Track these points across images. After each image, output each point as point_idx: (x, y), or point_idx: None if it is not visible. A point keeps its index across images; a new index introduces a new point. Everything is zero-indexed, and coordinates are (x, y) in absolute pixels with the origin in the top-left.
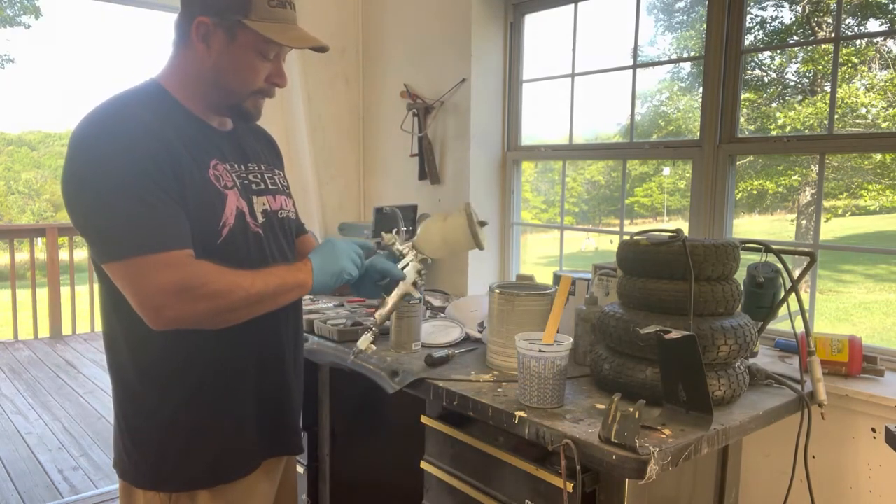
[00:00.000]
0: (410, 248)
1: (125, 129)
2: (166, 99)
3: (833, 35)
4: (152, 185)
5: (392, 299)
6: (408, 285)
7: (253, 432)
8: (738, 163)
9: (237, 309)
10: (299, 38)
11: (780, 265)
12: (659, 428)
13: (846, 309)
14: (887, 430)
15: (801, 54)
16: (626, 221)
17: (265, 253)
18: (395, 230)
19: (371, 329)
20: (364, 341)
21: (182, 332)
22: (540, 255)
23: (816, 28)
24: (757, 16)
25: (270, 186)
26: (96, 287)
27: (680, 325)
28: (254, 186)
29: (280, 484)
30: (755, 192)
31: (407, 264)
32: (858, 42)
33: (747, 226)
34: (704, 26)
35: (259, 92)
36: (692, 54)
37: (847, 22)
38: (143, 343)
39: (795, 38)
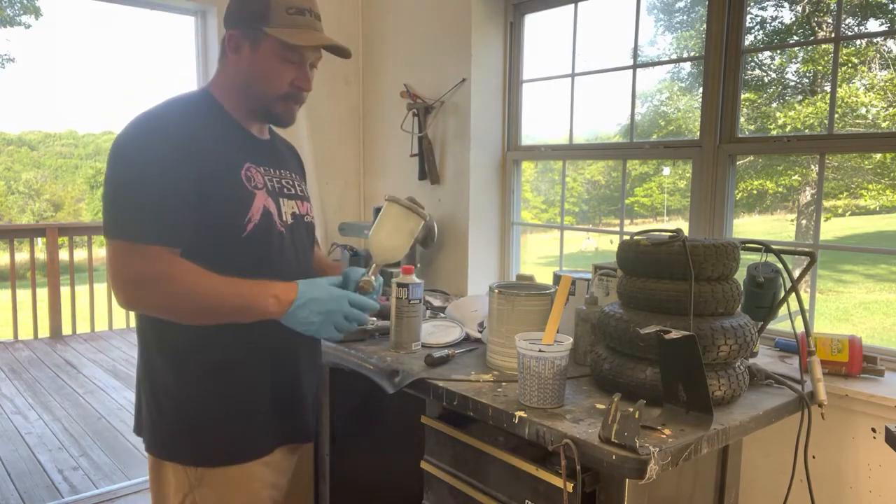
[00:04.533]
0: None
1: (164, 133)
2: (213, 105)
3: (833, 35)
4: (164, 182)
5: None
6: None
7: (263, 418)
8: (738, 163)
9: (187, 313)
10: (314, 39)
11: (780, 265)
12: (659, 428)
13: (846, 309)
14: (887, 430)
15: (801, 54)
16: (626, 221)
17: (286, 252)
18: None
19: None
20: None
21: None
22: (540, 255)
23: (816, 28)
24: (757, 16)
25: (299, 192)
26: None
27: (680, 325)
28: (285, 190)
29: (293, 474)
30: (755, 192)
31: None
32: (858, 42)
33: (747, 226)
34: (704, 26)
35: (287, 96)
36: (692, 54)
37: (847, 22)
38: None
39: (795, 38)
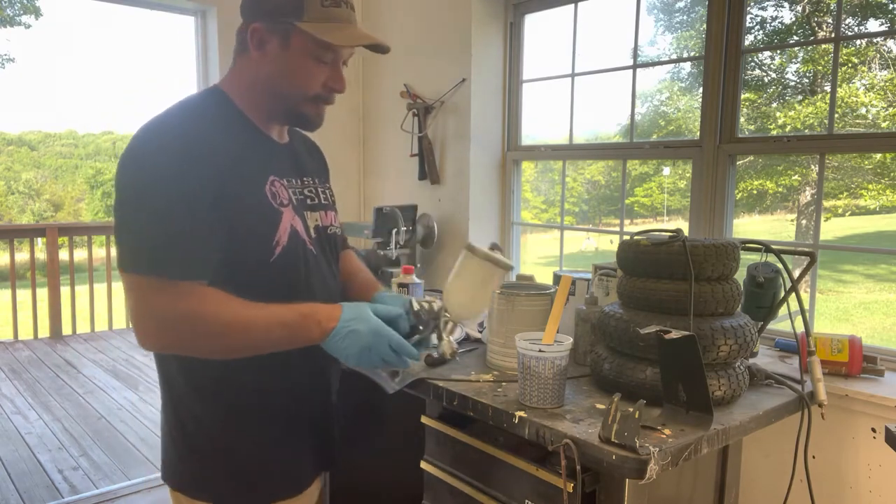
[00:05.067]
0: (442, 315)
1: (180, 147)
2: (229, 108)
3: (833, 35)
4: (189, 210)
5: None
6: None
7: (303, 450)
8: (738, 163)
9: (225, 351)
10: (354, 37)
11: (780, 265)
12: (659, 428)
13: (846, 309)
14: (887, 430)
15: (801, 54)
16: (626, 221)
17: (316, 273)
18: (419, 299)
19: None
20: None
21: None
22: (540, 255)
23: (816, 28)
24: (757, 16)
25: (323, 202)
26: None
27: (680, 325)
28: (308, 202)
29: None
30: (755, 192)
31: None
32: (858, 42)
33: (747, 226)
34: (704, 26)
35: (317, 98)
36: (692, 54)
37: (847, 22)
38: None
39: (795, 38)
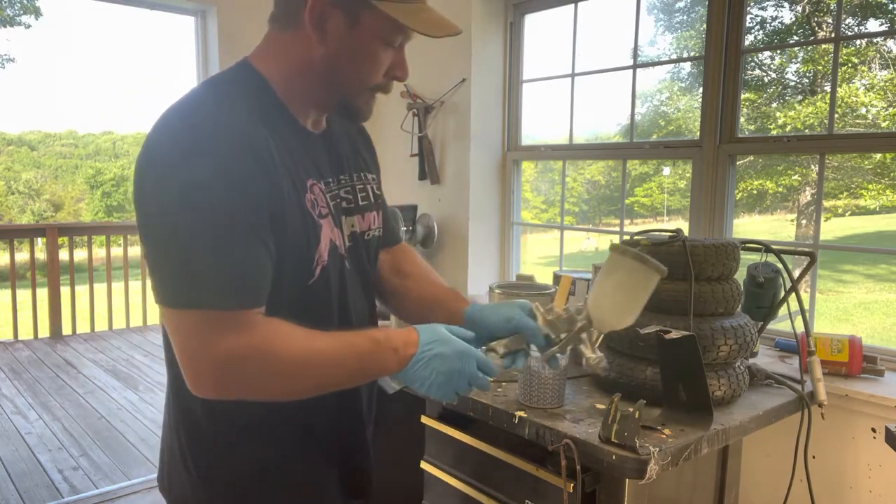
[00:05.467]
0: (583, 321)
1: (219, 143)
2: (266, 94)
3: (833, 35)
4: (240, 222)
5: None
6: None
7: (332, 477)
8: (738, 163)
9: (299, 391)
10: (436, 24)
11: (780, 265)
12: (659, 428)
13: (846, 309)
14: (887, 430)
15: (801, 54)
16: (626, 221)
17: (348, 291)
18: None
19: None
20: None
21: None
22: (540, 255)
23: (816, 28)
24: (757, 16)
25: (361, 202)
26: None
27: (680, 325)
28: (344, 205)
29: None
30: (755, 192)
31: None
32: (858, 42)
33: (747, 226)
34: (704, 26)
35: (377, 88)
36: (692, 54)
37: (847, 22)
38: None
39: (795, 38)
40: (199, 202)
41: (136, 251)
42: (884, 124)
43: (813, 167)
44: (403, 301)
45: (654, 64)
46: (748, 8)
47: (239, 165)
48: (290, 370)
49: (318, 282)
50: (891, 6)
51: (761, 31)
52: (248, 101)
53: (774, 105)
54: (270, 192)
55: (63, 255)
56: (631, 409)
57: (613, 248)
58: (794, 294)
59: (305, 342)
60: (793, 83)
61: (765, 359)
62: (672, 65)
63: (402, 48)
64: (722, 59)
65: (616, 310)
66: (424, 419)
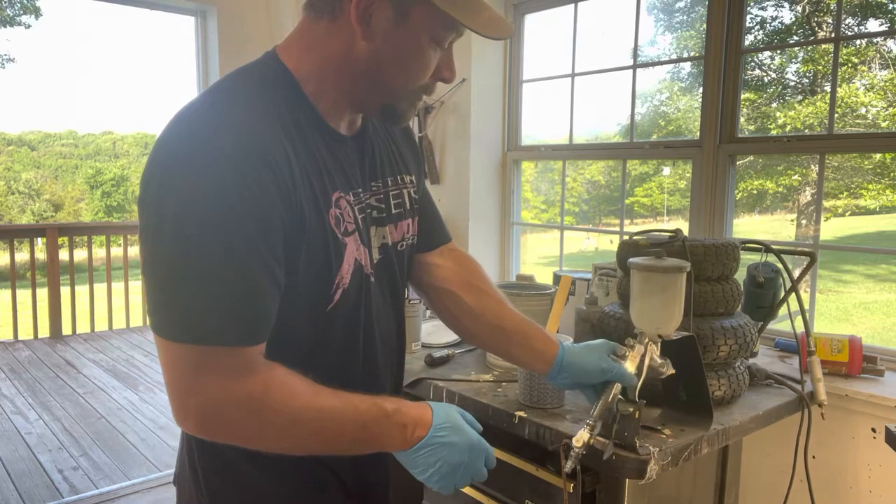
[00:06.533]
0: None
1: (227, 154)
2: (294, 93)
3: (833, 35)
4: (241, 248)
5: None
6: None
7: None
8: (738, 163)
9: (289, 447)
10: (494, 24)
11: (780, 265)
12: (659, 428)
13: (846, 309)
14: (887, 430)
15: (801, 54)
16: (626, 221)
17: (372, 313)
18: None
19: (588, 423)
20: (580, 437)
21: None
22: (540, 255)
23: (816, 28)
24: (757, 16)
25: (394, 210)
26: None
27: (680, 326)
28: (374, 214)
29: None
30: (755, 192)
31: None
32: (858, 42)
33: (747, 226)
34: (704, 26)
35: (423, 89)
36: (692, 54)
37: (847, 22)
38: None
39: (795, 38)
40: (197, 221)
41: (135, 251)
42: (884, 124)
43: (813, 167)
44: (476, 321)
45: (654, 64)
46: (748, 8)
47: (249, 181)
48: (283, 426)
49: (336, 307)
50: (891, 6)
51: (761, 31)
52: (271, 103)
53: (774, 105)
54: (286, 211)
55: (63, 255)
56: (631, 409)
57: (634, 266)
58: (794, 294)
59: (305, 398)
60: (793, 83)
61: (765, 359)
62: (672, 65)
63: (450, 47)
64: (722, 59)
65: (663, 320)
66: None
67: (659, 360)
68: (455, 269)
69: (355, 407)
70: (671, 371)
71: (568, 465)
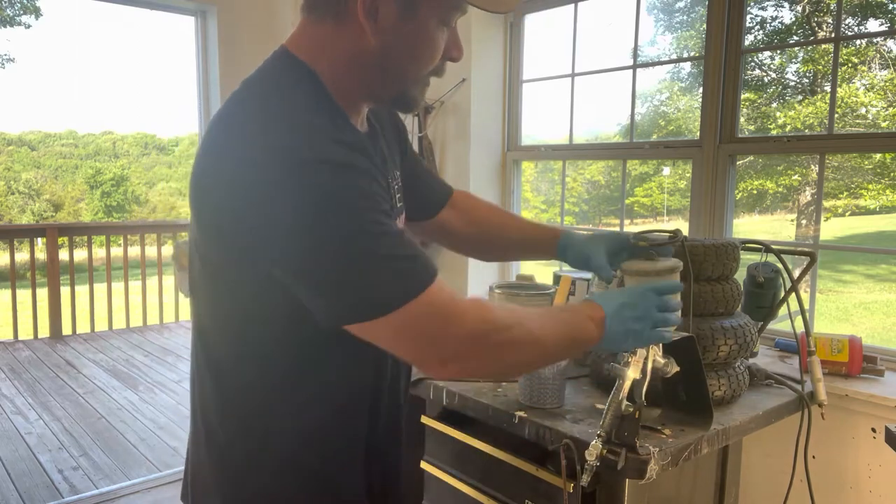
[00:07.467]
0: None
1: (341, 147)
2: (324, 96)
3: (833, 35)
4: (381, 212)
5: (610, 405)
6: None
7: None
8: (738, 163)
9: (526, 364)
10: None
11: (780, 265)
12: (659, 428)
13: (846, 309)
14: (887, 430)
15: (801, 54)
16: (626, 221)
17: None
18: None
19: (599, 434)
20: (593, 450)
21: (290, 383)
22: None
23: (816, 28)
24: (757, 16)
25: (398, 205)
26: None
27: (680, 326)
28: (397, 206)
29: None
30: (755, 192)
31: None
32: (858, 42)
33: (747, 226)
34: (704, 26)
35: (433, 72)
36: (692, 54)
37: (847, 22)
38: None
39: (795, 38)
40: (342, 203)
41: (135, 251)
42: (884, 124)
43: (813, 167)
44: (493, 244)
45: (654, 64)
46: (748, 8)
47: (360, 161)
48: (526, 339)
49: None
50: (891, 6)
51: (761, 31)
52: (319, 106)
53: (774, 105)
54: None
55: (63, 255)
56: (631, 409)
57: (626, 270)
58: (794, 294)
59: (522, 313)
60: (793, 83)
61: (765, 359)
62: (672, 65)
63: (455, 26)
64: (722, 59)
65: None
66: (424, 419)
67: (662, 360)
68: (456, 215)
69: (550, 312)
70: (675, 369)
71: (584, 480)
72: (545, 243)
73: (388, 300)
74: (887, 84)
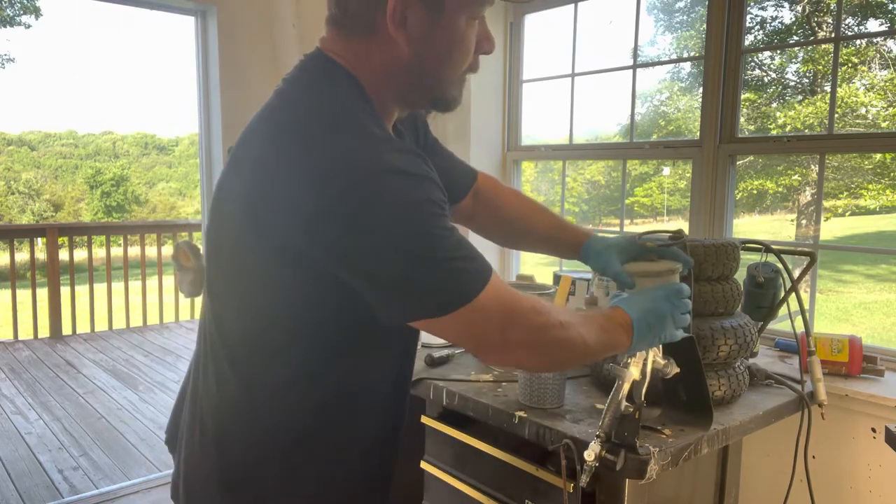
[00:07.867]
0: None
1: (404, 155)
2: (369, 107)
3: (833, 35)
4: (446, 216)
5: (609, 404)
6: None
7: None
8: (738, 163)
9: (574, 360)
10: None
11: (780, 265)
12: (659, 428)
13: (846, 309)
14: (887, 430)
15: (801, 54)
16: (626, 221)
17: None
18: None
19: (598, 435)
20: (592, 451)
21: (304, 399)
22: (540, 256)
23: (816, 28)
24: (757, 16)
25: None
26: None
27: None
28: None
29: None
30: (755, 192)
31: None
32: (858, 42)
33: (747, 226)
34: (704, 26)
35: (468, 69)
36: (692, 54)
37: (847, 22)
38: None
39: (795, 38)
40: (415, 209)
41: (135, 251)
42: (884, 124)
43: (813, 167)
44: (517, 236)
45: (654, 64)
46: (748, 8)
47: (425, 170)
48: (574, 338)
49: None
50: (891, 6)
51: (761, 31)
52: (370, 114)
53: (774, 105)
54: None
55: (63, 255)
56: (631, 409)
57: (634, 275)
58: (794, 294)
59: (566, 313)
60: (793, 83)
61: (765, 359)
62: (672, 65)
63: (483, 19)
64: (722, 59)
65: None
66: (424, 419)
67: (662, 361)
68: (482, 208)
69: (586, 315)
70: (676, 370)
71: (583, 480)
72: (570, 245)
73: (463, 295)
74: (887, 84)
